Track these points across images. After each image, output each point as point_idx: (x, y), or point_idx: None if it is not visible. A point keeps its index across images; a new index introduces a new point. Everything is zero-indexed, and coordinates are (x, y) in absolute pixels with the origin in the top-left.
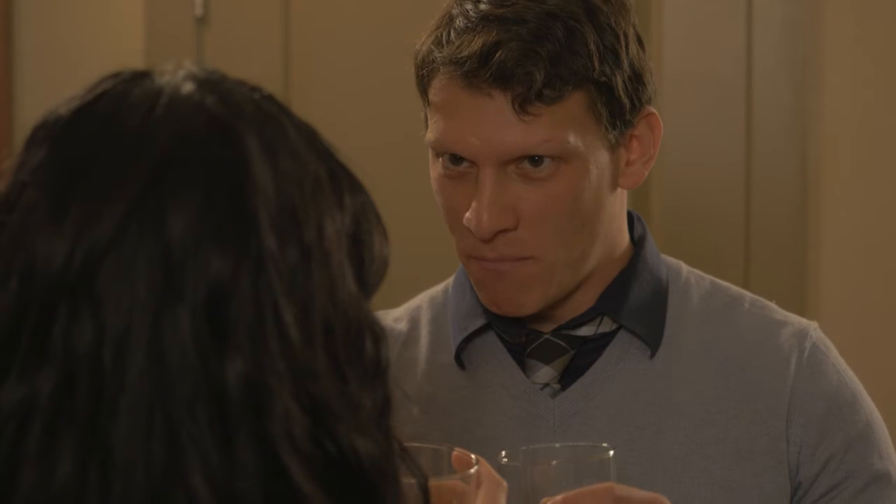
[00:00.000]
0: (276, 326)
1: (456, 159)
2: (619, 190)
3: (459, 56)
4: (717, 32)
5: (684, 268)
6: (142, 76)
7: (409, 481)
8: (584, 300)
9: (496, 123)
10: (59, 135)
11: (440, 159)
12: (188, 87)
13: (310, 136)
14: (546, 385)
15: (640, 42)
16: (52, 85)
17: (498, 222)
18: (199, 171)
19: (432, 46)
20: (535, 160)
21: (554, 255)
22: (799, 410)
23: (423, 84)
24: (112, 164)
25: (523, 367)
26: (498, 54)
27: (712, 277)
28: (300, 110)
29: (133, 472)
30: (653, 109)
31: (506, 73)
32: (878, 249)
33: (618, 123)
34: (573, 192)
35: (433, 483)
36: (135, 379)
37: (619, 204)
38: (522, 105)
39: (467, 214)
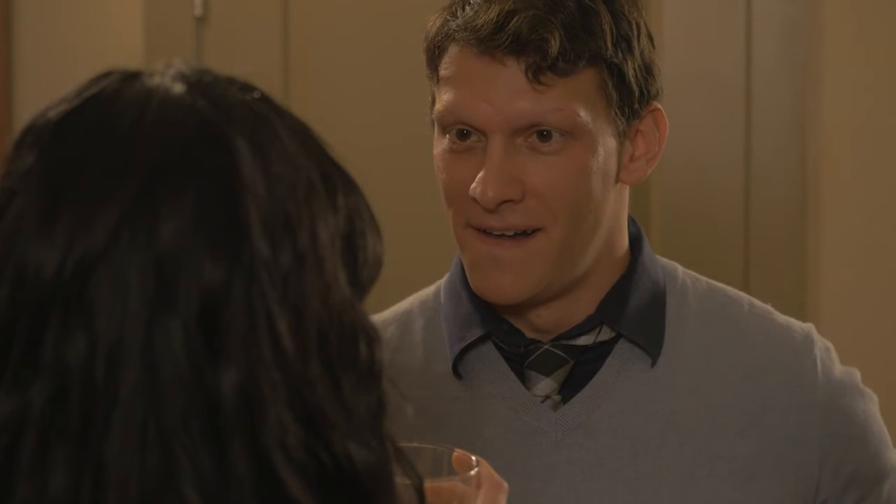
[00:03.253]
0: (269, 335)
1: (463, 134)
2: (622, 186)
3: (475, 23)
4: (716, 32)
5: (680, 270)
6: (132, 77)
7: (404, 482)
8: (583, 306)
9: (508, 91)
10: (48, 140)
11: (447, 135)
12: (179, 89)
13: (303, 137)
14: (547, 397)
15: (650, 37)
16: (52, 85)
17: (504, 191)
18: (190, 177)
19: (447, 17)
20: (544, 134)
21: (560, 232)
22: (814, 426)
23: (434, 59)
24: (102, 170)
25: (522, 378)
26: (513, 21)
27: (708, 279)
28: (299, 110)
29: (126, 485)
30: (659, 106)
31: (521, 39)
32: (878, 249)
33: (626, 111)
34: (580, 170)
35: (433, 485)
36: (128, 392)
37: (621, 202)
38: (535, 74)
39: (473, 184)
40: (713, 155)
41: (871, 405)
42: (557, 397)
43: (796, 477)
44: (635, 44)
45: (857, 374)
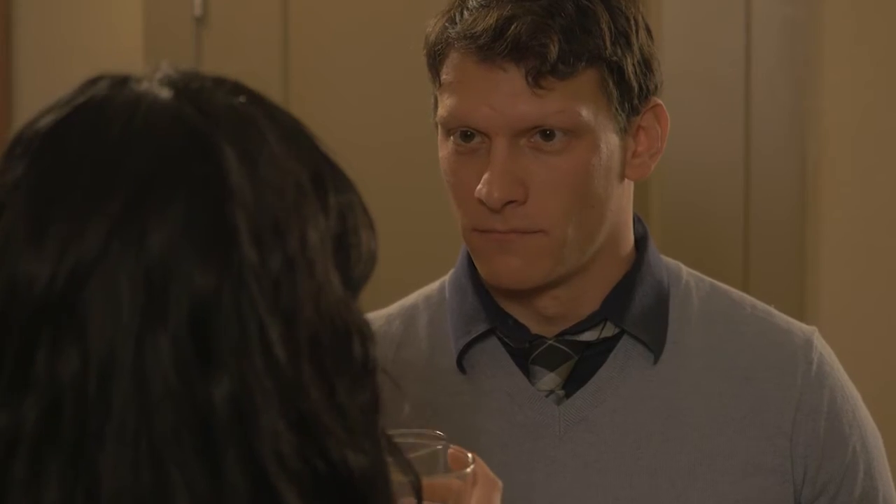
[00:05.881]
0: (260, 343)
1: (467, 135)
2: (626, 182)
3: (474, 31)
4: (716, 32)
5: (684, 270)
6: (120, 83)
7: (401, 480)
8: (588, 302)
9: (510, 95)
10: (37, 151)
11: (451, 137)
12: (166, 95)
13: (293, 137)
14: (551, 392)
15: (648, 31)
16: (52, 85)
17: (508, 192)
18: (178, 187)
19: (446, 24)
20: (547, 134)
21: (562, 231)
22: (803, 429)
23: (436, 64)
24: (91, 181)
25: (527, 373)
26: (512, 28)
27: (711, 280)
28: (299, 110)
29: (120, 499)
30: (660, 101)
31: (520, 45)
32: (878, 249)
33: (627, 106)
34: (583, 169)
35: (428, 481)
36: (120, 406)
37: (626, 198)
38: (536, 78)
39: (479, 186)
40: (713, 155)
41: (863, 430)
42: (561, 392)
43: (791, 476)
44: (634, 39)
45: (857, 395)
